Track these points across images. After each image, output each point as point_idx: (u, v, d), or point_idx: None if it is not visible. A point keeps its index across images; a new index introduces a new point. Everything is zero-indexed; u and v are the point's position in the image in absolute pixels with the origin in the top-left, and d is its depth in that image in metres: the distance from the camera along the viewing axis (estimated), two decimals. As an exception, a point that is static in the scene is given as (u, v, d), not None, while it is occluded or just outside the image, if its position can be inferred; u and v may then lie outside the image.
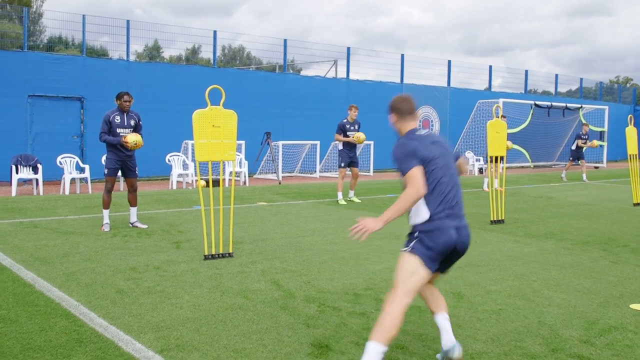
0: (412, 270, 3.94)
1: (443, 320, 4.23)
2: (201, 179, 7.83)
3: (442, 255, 4.00)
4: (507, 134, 16.83)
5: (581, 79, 36.70)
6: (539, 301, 5.78)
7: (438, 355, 4.35)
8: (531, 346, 4.59)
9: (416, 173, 3.95)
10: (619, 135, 18.35)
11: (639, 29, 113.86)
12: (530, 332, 4.90)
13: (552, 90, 34.66)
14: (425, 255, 3.95)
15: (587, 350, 4.54)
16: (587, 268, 7.25)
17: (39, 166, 14.76)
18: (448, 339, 4.17)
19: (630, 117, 14.57)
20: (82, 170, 15.65)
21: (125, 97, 9.46)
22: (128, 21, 19.07)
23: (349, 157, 13.50)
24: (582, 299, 5.89)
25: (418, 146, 4.07)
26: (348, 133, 13.36)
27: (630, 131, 14.06)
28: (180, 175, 16.84)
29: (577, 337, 4.81)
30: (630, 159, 14.20)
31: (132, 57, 19.56)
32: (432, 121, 26.71)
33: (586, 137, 21.32)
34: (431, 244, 3.95)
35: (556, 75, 34.59)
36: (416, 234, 4.03)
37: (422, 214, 4.03)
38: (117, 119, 9.42)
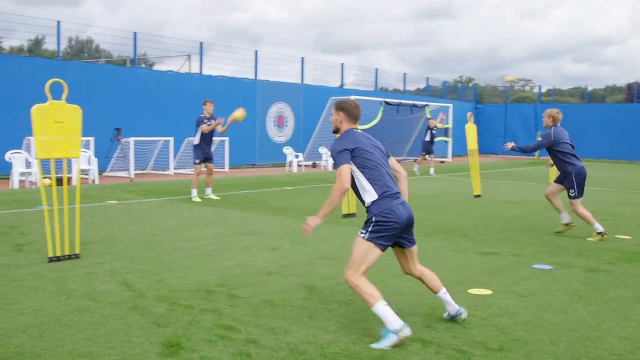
0: (363, 253, 4.69)
1: (444, 295, 5.08)
2: (44, 177, 7.44)
3: (396, 232, 4.69)
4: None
5: (427, 78, 38.62)
6: (387, 290, 6.02)
7: (445, 315, 5.16)
8: (377, 333, 4.78)
9: (343, 169, 4.65)
10: (463, 131, 19.51)
11: (480, 32, 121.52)
12: (377, 320, 5.09)
13: (402, 88, 36.17)
14: (378, 238, 4.66)
15: (429, 334, 4.81)
16: (430, 257, 7.65)
17: None
18: (453, 307, 5.06)
19: (470, 114, 15.51)
20: None
21: None
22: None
23: (204, 153, 13.37)
24: (424, 287, 6.19)
25: (352, 140, 4.76)
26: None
27: (470, 127, 14.96)
28: (22, 173, 15.88)
29: (421, 323, 5.08)
30: (470, 153, 15.13)
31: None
32: (286, 117, 27.00)
33: (435, 129, 22.46)
34: (383, 227, 4.64)
35: (404, 74, 36.14)
36: (372, 219, 4.67)
37: (371, 194, 4.72)
38: None
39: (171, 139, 20.62)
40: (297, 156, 24.39)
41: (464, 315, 5.06)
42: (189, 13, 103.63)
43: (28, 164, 16.24)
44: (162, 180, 18.25)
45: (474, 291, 6.10)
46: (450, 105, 33.02)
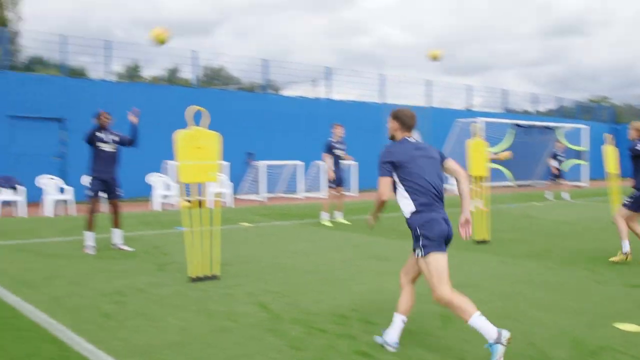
0: (433, 267, 4.70)
1: (401, 320, 5.00)
2: (185, 200, 7.81)
3: (443, 239, 4.74)
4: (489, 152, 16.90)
5: (560, 98, 37.23)
6: (527, 322, 5.81)
7: (377, 338, 5.07)
8: (518, 366, 4.61)
9: (382, 181, 4.95)
10: (600, 153, 18.56)
11: (615, 48, 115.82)
12: (518, 354, 4.92)
13: (531, 109, 35.08)
14: (431, 246, 4.69)
15: (573, 370, 4.57)
16: (572, 288, 7.31)
17: (20, 187, 14.62)
18: (395, 333, 4.97)
19: (608, 135, 14.77)
20: (63, 191, 15.53)
21: (103, 114, 9.61)
22: (108, 41, 19.07)
23: (338, 176, 13.50)
24: (568, 319, 5.93)
25: (395, 153, 4.95)
26: (335, 152, 13.40)
27: (609, 150, 14.23)
28: (163, 196, 16.75)
29: (566, 358, 4.84)
30: (609, 177, 14.36)
31: (112, 77, 19.52)
32: (413, 140, 26.82)
33: (562, 155, 21.57)
34: (430, 234, 4.70)
35: (535, 94, 35.07)
36: (418, 232, 4.76)
37: (408, 207, 4.87)
38: (99, 135, 9.47)
39: (301, 163, 21.06)
40: (424, 179, 24.10)
41: (387, 347, 4.96)
42: (315, 38, 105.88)
43: (167, 187, 17.12)
44: (292, 204, 18.64)
45: (622, 326, 5.74)
46: (585, 126, 31.55)
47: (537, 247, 10.42)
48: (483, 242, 10.77)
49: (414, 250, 4.86)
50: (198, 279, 7.40)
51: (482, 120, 25.32)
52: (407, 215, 4.89)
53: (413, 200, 4.83)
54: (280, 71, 25.86)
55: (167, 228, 12.16)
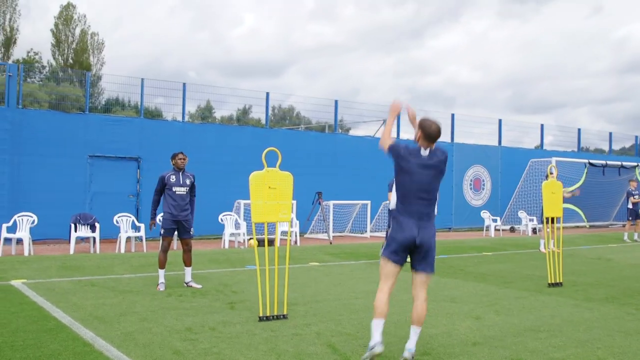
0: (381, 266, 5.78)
1: (415, 331, 5.66)
2: (255, 238, 7.88)
3: (404, 248, 5.60)
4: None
5: (636, 137, 36.05)
6: None
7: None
8: (600, 418, 4.41)
9: (388, 139, 5.96)
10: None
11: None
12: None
13: (606, 148, 34.11)
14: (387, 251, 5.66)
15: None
16: (653, 335, 6.98)
17: (97, 225, 15.11)
18: (411, 344, 5.61)
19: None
20: (137, 229, 15.96)
21: (180, 156, 9.81)
22: (184, 84, 19.66)
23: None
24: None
25: (411, 153, 5.73)
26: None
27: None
28: (232, 234, 16.99)
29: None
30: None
31: (185, 118, 20.09)
32: (483, 180, 26.49)
33: (637, 192, 20.91)
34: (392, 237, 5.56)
35: (610, 133, 34.08)
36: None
37: (392, 204, 5.71)
38: (173, 178, 9.71)
39: (368, 202, 21.04)
40: (494, 220, 23.72)
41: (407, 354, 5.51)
42: (382, 78, 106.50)
43: (237, 225, 17.36)
44: (360, 244, 18.57)
45: None
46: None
47: (614, 290, 10.02)
48: (556, 284, 10.44)
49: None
50: (267, 318, 7.42)
51: (555, 159, 24.76)
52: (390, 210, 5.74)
53: (397, 199, 5.64)
54: (349, 111, 26.03)
55: (237, 266, 12.29)
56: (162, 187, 9.71)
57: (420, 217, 5.60)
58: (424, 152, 5.72)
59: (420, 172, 5.64)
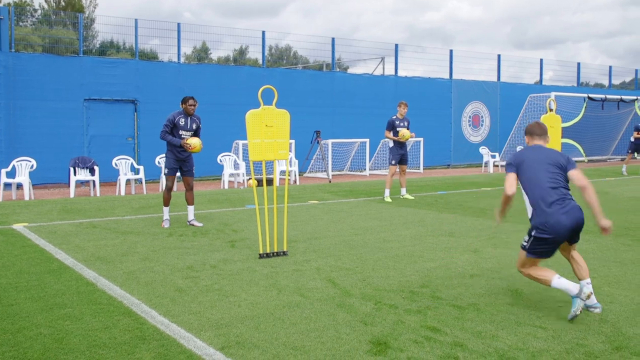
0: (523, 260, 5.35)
1: (585, 285, 5.18)
2: (254, 178, 7.91)
3: (558, 241, 5.14)
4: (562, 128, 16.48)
5: (636, 70, 35.74)
6: (600, 298, 5.66)
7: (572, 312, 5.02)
8: (594, 344, 4.51)
9: (508, 177, 5.41)
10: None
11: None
12: (592, 330, 4.82)
13: (606, 82, 33.86)
14: (534, 250, 5.20)
15: (653, 348, 4.44)
16: (648, 264, 7.08)
17: (96, 168, 15.12)
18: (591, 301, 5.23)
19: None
20: (136, 171, 15.99)
21: (191, 102, 9.77)
22: (179, 24, 19.36)
23: (399, 154, 13.46)
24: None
25: (517, 155, 5.51)
26: (398, 129, 13.32)
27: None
28: (231, 175, 17.04)
29: (642, 335, 4.70)
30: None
31: (181, 59, 19.87)
32: (482, 116, 26.39)
33: None
34: (542, 236, 5.10)
35: (610, 67, 33.77)
36: (532, 233, 5.18)
37: (528, 209, 5.35)
38: (182, 122, 9.72)
39: (367, 140, 21.02)
40: (493, 156, 23.75)
41: (595, 309, 5.25)
42: (382, 15, 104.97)
43: (236, 166, 17.39)
44: (359, 181, 18.65)
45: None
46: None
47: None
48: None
49: (525, 236, 5.36)
50: (267, 256, 7.51)
51: (554, 94, 24.60)
52: (529, 215, 5.37)
53: (530, 200, 5.31)
54: (348, 49, 25.83)
55: (237, 206, 12.37)
56: (172, 130, 9.71)
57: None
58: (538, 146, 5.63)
59: (545, 165, 5.39)
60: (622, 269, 6.85)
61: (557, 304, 5.52)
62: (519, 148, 24.58)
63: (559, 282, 5.08)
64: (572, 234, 5.20)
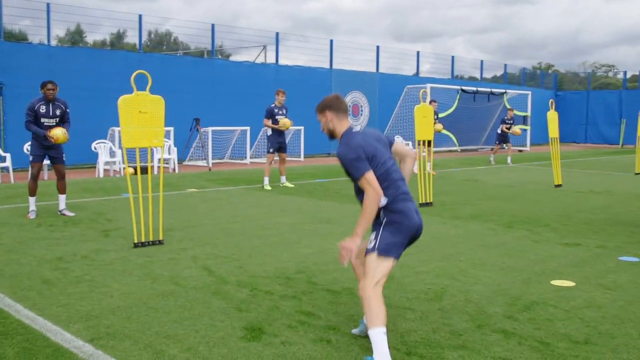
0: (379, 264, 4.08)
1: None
2: (129, 166, 7.70)
3: (409, 239, 4.25)
4: (437, 118, 17.15)
5: (505, 65, 37.72)
6: (465, 280, 5.97)
7: (354, 331, 4.53)
8: (458, 323, 4.75)
9: (370, 177, 4.06)
10: (542, 119, 19.19)
11: (561, 17, 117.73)
12: (456, 310, 5.06)
13: (478, 75, 35.52)
14: (388, 247, 4.11)
15: (510, 325, 4.72)
16: (510, 247, 7.52)
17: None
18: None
19: (551, 101, 15.09)
20: (2, 159, 15.12)
21: (49, 86, 9.24)
22: (48, 4, 18.43)
23: (278, 142, 13.53)
24: (506, 277, 6.12)
25: (362, 145, 4.15)
26: (277, 117, 13.38)
27: (552, 115, 14.56)
28: (107, 163, 16.48)
29: (502, 313, 5.00)
30: (551, 142, 14.74)
31: (53, 42, 18.95)
32: (361, 106, 26.95)
33: (511, 121, 22.00)
34: (396, 232, 4.15)
35: (481, 62, 35.46)
36: (383, 221, 4.19)
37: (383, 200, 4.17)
38: (43, 109, 9.21)
39: (247, 128, 20.95)
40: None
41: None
42: (264, 3, 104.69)
43: (112, 154, 16.83)
44: (239, 169, 18.57)
45: (557, 282, 5.95)
46: (529, 92, 32.15)
47: (479, 209, 10.65)
48: (427, 204, 10.95)
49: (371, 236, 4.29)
50: (142, 245, 7.34)
51: (430, 86, 25.52)
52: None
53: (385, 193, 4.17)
54: (229, 36, 25.64)
55: (112, 195, 11.99)
56: (35, 118, 9.19)
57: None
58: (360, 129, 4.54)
59: (383, 147, 4.37)
60: (486, 252, 7.23)
61: (426, 287, 5.75)
62: (397, 137, 25.36)
63: (382, 337, 3.85)
64: None
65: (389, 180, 4.19)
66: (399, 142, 4.67)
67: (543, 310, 5.08)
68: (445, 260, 6.84)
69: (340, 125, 4.36)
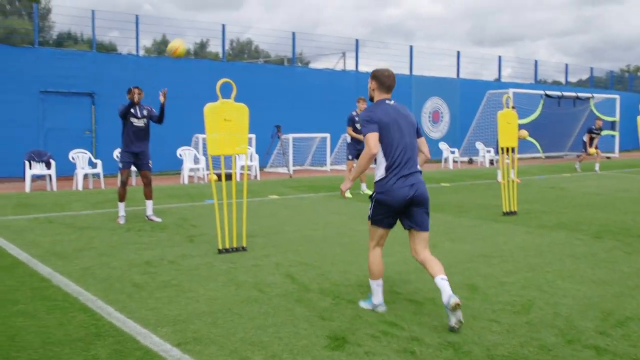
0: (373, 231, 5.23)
1: (440, 281, 4.87)
2: (213, 173, 7.87)
3: (397, 210, 5.09)
4: (519, 124, 16.77)
5: (592, 68, 36.50)
6: (553, 292, 5.78)
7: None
8: (547, 337, 4.60)
9: (370, 137, 4.89)
10: (631, 124, 18.41)
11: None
12: (545, 324, 4.91)
13: (563, 80, 34.50)
14: (376, 218, 5.19)
15: (603, 341, 4.54)
16: (601, 259, 7.24)
17: (52, 162, 14.85)
18: (445, 294, 4.73)
19: (642, 106, 14.47)
20: (94, 165, 15.75)
21: (136, 90, 9.72)
22: (137, 16, 19.11)
23: (357, 149, 13.52)
24: (596, 290, 5.89)
25: (380, 114, 4.94)
26: (357, 125, 13.38)
27: (643, 120, 13.97)
28: (191, 169, 16.90)
29: (593, 328, 4.81)
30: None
31: (141, 52, 19.62)
32: (441, 113, 26.65)
33: (598, 132, 21.19)
34: (379, 207, 5.09)
35: (566, 65, 34.42)
36: (373, 195, 5.09)
37: (379, 172, 5.03)
38: (131, 111, 9.67)
39: (327, 135, 21.04)
40: (452, 152, 24.01)
41: (452, 301, 4.62)
42: (343, 11, 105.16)
43: (196, 160, 17.25)
44: (320, 176, 18.68)
45: (652, 297, 5.68)
46: (617, 96, 30.97)
47: (565, 218, 10.32)
48: (511, 213, 10.69)
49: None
50: (226, 251, 7.48)
51: (512, 91, 24.97)
52: (376, 179, 5.09)
53: (385, 161, 4.99)
54: (309, 44, 25.74)
55: (197, 201, 12.28)
56: (126, 111, 9.62)
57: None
58: (393, 103, 5.12)
59: (407, 126, 5.06)
60: (575, 264, 6.99)
61: (512, 298, 5.61)
62: (478, 144, 24.93)
63: (376, 288, 5.25)
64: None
65: (390, 155, 4.94)
66: (423, 140, 5.32)
67: (638, 326, 4.86)
68: (532, 270, 6.65)
69: (378, 96, 5.16)
